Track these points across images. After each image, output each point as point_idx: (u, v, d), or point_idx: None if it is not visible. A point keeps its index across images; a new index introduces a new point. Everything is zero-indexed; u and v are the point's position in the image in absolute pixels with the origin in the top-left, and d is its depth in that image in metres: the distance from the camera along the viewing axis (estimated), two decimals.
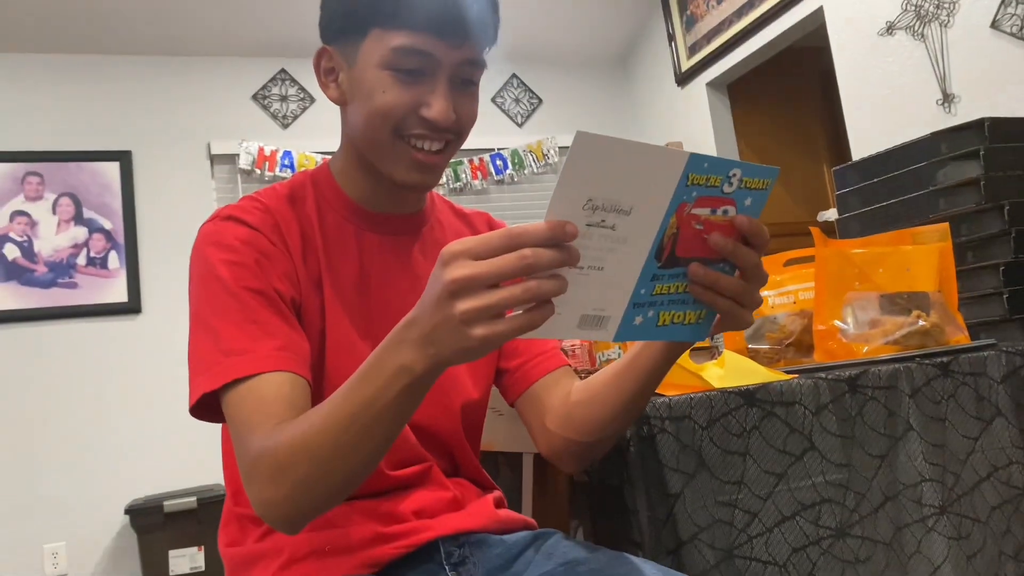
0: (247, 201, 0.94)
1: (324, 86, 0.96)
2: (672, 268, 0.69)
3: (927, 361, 1.19)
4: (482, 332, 0.61)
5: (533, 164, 4.36)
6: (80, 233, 3.61)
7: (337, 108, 0.98)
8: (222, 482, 1.00)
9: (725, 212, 0.69)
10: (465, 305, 0.61)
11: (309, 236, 0.94)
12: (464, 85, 0.92)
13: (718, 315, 0.76)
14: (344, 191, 0.99)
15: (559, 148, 4.39)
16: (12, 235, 3.52)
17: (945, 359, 1.20)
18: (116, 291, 3.62)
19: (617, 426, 0.93)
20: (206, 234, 0.90)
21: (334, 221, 0.97)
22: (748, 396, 1.05)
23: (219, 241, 0.88)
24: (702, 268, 0.71)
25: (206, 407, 0.84)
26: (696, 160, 0.64)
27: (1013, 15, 2.50)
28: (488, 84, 4.27)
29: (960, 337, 1.30)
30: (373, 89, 0.88)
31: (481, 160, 4.28)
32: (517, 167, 4.34)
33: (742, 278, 0.73)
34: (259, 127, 4.01)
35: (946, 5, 2.71)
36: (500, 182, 4.35)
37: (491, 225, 1.14)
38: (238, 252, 0.87)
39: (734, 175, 0.67)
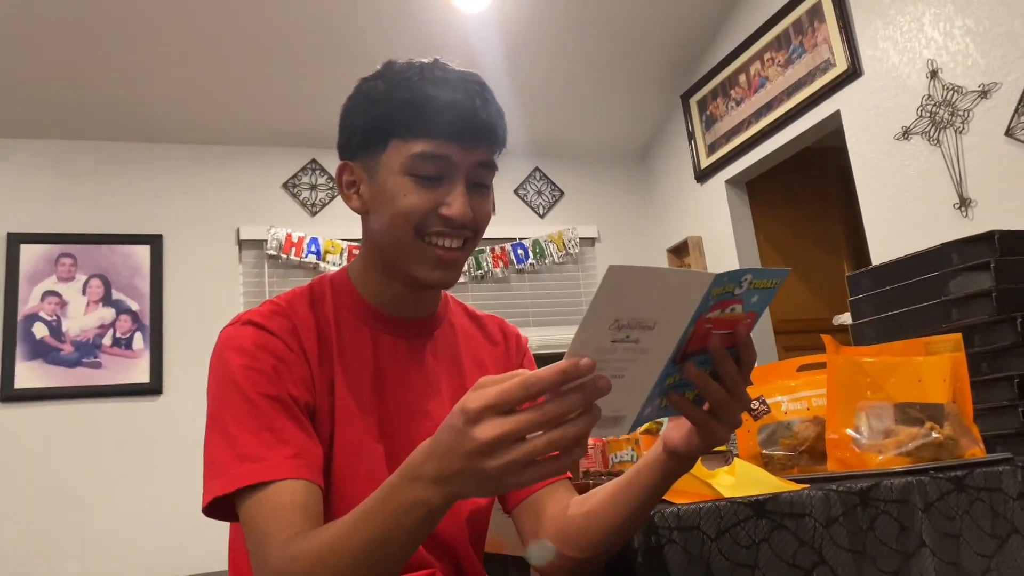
0: (267, 306, 0.98)
1: (347, 198, 1.01)
2: (682, 363, 0.73)
3: (941, 475, 1.18)
4: (512, 481, 0.64)
5: (554, 254, 4.42)
6: (108, 314, 3.69)
7: None
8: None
9: (732, 310, 0.73)
10: (496, 463, 0.63)
11: (326, 337, 0.98)
12: (478, 187, 0.98)
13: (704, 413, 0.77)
14: (362, 295, 1.03)
15: (579, 239, 4.46)
16: (42, 314, 3.60)
17: (960, 473, 1.19)
18: (139, 371, 3.68)
19: (611, 543, 0.93)
20: (226, 338, 0.94)
21: (350, 323, 1.01)
22: (758, 507, 1.04)
23: (239, 346, 0.92)
24: (695, 368, 0.74)
25: (219, 508, 0.86)
26: (718, 278, 0.67)
27: None
28: (511, 176, 4.39)
29: (975, 450, 1.29)
30: (395, 194, 0.94)
31: (503, 249, 4.36)
32: (538, 256, 4.41)
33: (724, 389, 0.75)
34: (288, 214, 4.12)
35: (960, 112, 2.77)
36: (521, 271, 4.42)
37: (503, 330, 1.17)
38: (256, 357, 0.90)
39: (745, 279, 0.70)
